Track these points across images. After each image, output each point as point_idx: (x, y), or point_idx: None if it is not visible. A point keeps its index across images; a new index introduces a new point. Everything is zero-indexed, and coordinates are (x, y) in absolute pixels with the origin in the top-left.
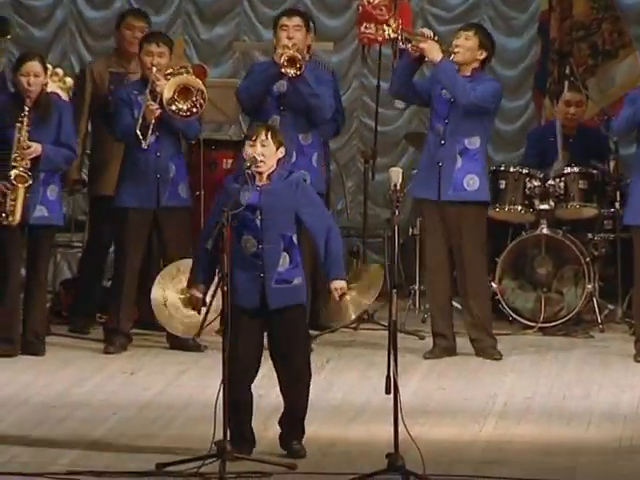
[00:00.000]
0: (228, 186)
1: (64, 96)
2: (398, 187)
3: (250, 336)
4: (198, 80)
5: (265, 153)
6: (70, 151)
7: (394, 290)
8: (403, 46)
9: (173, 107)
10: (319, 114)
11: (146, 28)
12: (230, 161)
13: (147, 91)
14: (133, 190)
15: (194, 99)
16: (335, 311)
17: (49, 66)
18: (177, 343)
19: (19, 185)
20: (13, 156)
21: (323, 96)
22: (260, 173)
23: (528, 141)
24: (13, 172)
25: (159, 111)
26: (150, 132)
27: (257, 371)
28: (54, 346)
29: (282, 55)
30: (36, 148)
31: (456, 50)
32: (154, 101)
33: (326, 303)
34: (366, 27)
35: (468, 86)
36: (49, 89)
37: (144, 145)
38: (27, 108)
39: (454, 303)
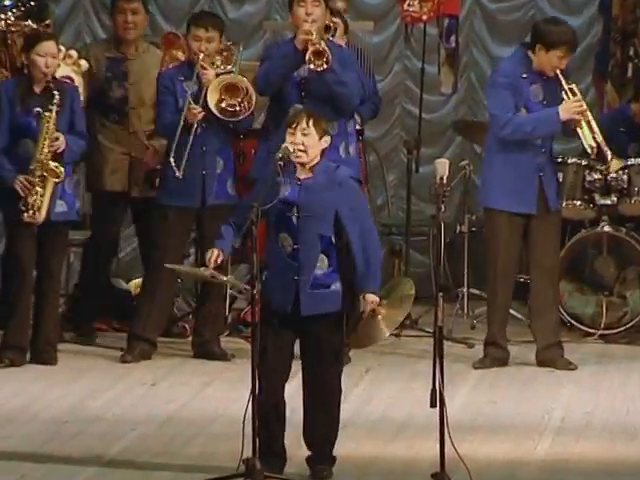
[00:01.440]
0: (259, 175)
1: (78, 80)
2: (444, 180)
3: (280, 343)
4: (244, 79)
5: (307, 142)
6: (84, 140)
7: (440, 293)
8: None
9: (223, 105)
10: (345, 102)
11: (140, 8)
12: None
13: (188, 95)
14: (175, 187)
15: (241, 97)
16: (366, 329)
17: (62, 47)
18: (202, 351)
19: (51, 179)
20: (40, 147)
21: (350, 83)
22: (302, 165)
23: None
24: (42, 165)
25: (201, 114)
26: (186, 157)
27: (286, 381)
28: (67, 354)
29: (305, 45)
30: (63, 139)
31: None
32: (197, 97)
33: (355, 324)
34: (409, 4)
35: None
36: (62, 72)
37: (179, 175)
38: (57, 95)
39: (511, 310)
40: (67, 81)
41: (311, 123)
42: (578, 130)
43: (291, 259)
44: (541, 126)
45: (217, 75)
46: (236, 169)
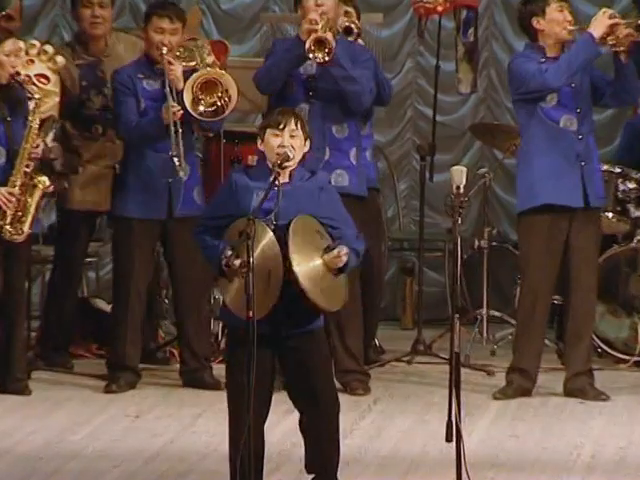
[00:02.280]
0: (237, 181)
1: (54, 79)
2: (462, 190)
3: (259, 367)
4: (223, 72)
5: (295, 146)
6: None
7: (456, 316)
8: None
9: (201, 108)
10: (355, 101)
11: (107, 1)
12: (257, 158)
13: (166, 87)
14: (138, 198)
15: (220, 92)
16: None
17: (36, 42)
18: (191, 380)
19: (40, 189)
20: (25, 154)
21: (360, 80)
22: (285, 168)
23: (624, 133)
24: (24, 175)
25: (180, 113)
26: (182, 154)
27: (268, 410)
28: (41, 383)
29: (308, 34)
30: (42, 147)
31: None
32: (162, 93)
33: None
34: None
35: None
36: (36, 70)
37: (183, 175)
38: (37, 97)
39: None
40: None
41: (299, 125)
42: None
43: None
44: (580, 53)
45: (184, 72)
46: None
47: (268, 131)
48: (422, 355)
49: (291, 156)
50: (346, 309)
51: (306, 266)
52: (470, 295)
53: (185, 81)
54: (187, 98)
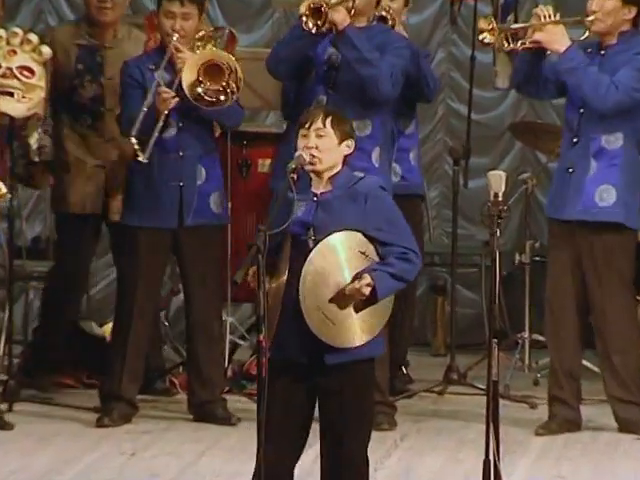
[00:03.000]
0: (279, 192)
1: (39, 72)
2: (500, 197)
3: (292, 402)
4: (230, 55)
5: (322, 146)
6: None
7: (494, 340)
8: (514, 46)
9: (199, 90)
10: (372, 87)
11: None
12: (268, 161)
13: (161, 69)
14: (144, 203)
15: (225, 81)
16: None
17: (19, 30)
18: (201, 413)
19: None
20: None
21: (379, 64)
22: (317, 175)
23: None
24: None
25: (175, 100)
26: (154, 139)
27: (301, 450)
28: (26, 417)
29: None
30: None
31: (591, 19)
32: (171, 83)
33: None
34: None
35: (605, 82)
36: (19, 62)
37: (142, 159)
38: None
39: (583, 361)
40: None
41: (328, 122)
42: None
43: None
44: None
45: None
46: (238, 184)
47: (299, 131)
48: (455, 385)
49: (307, 159)
50: None
51: (314, 294)
52: (510, 317)
53: None
54: (188, 77)
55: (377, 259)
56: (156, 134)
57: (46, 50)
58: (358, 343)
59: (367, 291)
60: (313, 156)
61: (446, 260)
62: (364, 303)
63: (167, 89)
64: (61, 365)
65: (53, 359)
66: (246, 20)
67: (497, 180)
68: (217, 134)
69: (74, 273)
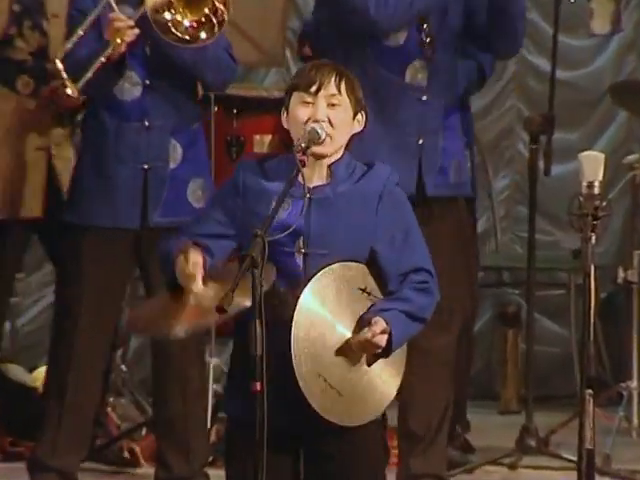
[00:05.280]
0: (246, 180)
1: None
2: (597, 189)
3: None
4: None
5: (336, 120)
6: None
7: (589, 392)
8: None
9: (166, 16)
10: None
11: None
12: (268, 138)
13: None
14: (95, 196)
15: (207, 11)
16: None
17: None
18: None
19: None
20: None
21: None
22: (318, 158)
23: None
24: None
25: (133, 32)
26: (94, 69)
27: None
28: None
29: None
30: None
31: None
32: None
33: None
34: None
35: None
36: None
37: (72, 93)
38: None
39: None
40: None
41: (343, 87)
42: None
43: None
44: None
45: None
46: (226, 168)
47: (295, 96)
48: (534, 454)
49: (322, 136)
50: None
51: (310, 359)
52: (611, 359)
53: None
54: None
55: (381, 295)
56: (98, 63)
57: None
58: (381, 411)
59: (383, 341)
60: (326, 135)
61: (519, 278)
62: (375, 356)
63: (121, 15)
64: None
65: None
66: None
67: (592, 164)
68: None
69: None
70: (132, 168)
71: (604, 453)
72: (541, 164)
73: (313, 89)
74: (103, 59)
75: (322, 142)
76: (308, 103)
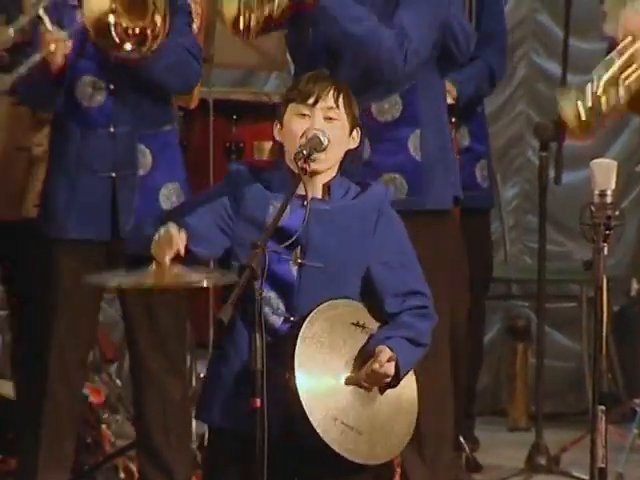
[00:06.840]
0: (237, 180)
1: None
2: (609, 197)
3: None
4: None
5: (332, 135)
6: None
7: (601, 408)
8: None
9: (110, 19)
10: (374, 70)
11: None
12: (268, 144)
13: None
14: (63, 206)
15: (147, 20)
16: None
17: None
18: None
19: None
20: None
21: (376, 32)
22: (312, 175)
23: None
24: None
25: (68, 45)
26: (28, 65)
27: None
28: None
29: None
30: None
31: None
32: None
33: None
34: None
35: None
36: None
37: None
38: None
39: None
40: None
41: (341, 100)
42: None
43: (281, 344)
44: None
45: None
46: (224, 173)
47: (291, 108)
48: (544, 474)
49: (325, 142)
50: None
51: (321, 406)
52: (624, 373)
53: None
54: (93, 4)
55: (376, 327)
56: (31, 62)
57: None
58: (408, 438)
59: (391, 368)
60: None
61: (529, 290)
62: (385, 387)
63: (52, 28)
64: None
65: None
66: None
67: (604, 172)
68: (194, 104)
69: None
70: (99, 177)
71: (617, 472)
72: (551, 172)
73: (310, 101)
74: (38, 57)
75: (324, 149)
76: (304, 115)
